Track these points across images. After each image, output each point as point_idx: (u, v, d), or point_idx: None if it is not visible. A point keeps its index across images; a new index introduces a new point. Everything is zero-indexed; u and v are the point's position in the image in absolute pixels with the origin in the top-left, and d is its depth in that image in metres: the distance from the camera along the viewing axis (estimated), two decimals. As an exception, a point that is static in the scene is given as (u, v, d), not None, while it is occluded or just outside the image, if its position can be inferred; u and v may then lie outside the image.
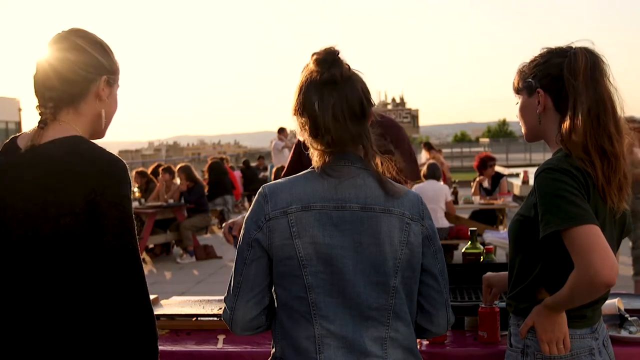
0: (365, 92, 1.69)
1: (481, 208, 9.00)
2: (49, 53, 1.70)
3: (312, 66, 1.68)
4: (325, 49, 1.68)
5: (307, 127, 1.68)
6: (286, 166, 3.00)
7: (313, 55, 1.69)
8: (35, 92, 1.71)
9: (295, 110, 1.70)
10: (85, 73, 1.70)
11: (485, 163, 9.39)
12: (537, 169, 1.79)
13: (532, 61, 1.90)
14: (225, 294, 1.73)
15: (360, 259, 1.64)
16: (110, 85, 1.76)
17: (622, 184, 1.79)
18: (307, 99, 1.67)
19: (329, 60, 1.66)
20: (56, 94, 1.69)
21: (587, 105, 1.76)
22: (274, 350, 1.73)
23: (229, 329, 1.74)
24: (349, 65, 1.69)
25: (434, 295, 1.74)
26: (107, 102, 1.76)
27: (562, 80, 1.80)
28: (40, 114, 1.70)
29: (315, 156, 1.70)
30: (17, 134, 1.75)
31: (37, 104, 1.71)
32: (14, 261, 1.62)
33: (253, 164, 17.69)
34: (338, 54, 1.68)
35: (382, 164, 1.71)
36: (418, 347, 2.19)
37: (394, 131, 3.00)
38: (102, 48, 1.75)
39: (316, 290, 1.63)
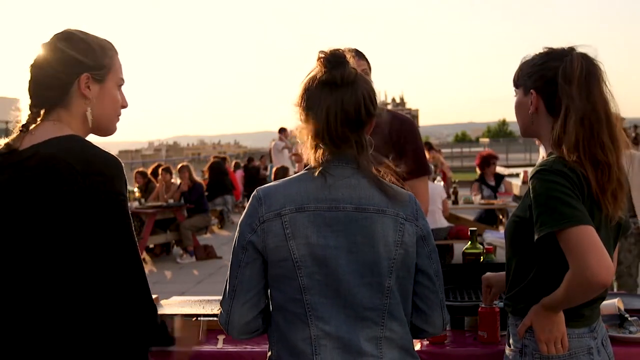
0: (367, 100, 1.67)
1: (481, 208, 9.00)
2: (34, 60, 1.73)
3: (317, 65, 1.68)
4: (332, 50, 1.68)
5: (302, 122, 1.69)
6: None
7: (319, 53, 1.69)
8: (28, 97, 1.74)
9: (297, 102, 1.71)
10: (62, 75, 1.70)
11: (488, 161, 9.37)
12: (532, 170, 1.80)
13: (532, 59, 1.90)
14: (221, 297, 1.73)
15: (354, 259, 1.63)
16: (98, 81, 1.73)
17: (616, 192, 1.78)
18: (305, 95, 1.68)
19: (332, 62, 1.66)
20: (39, 100, 1.71)
21: (580, 113, 1.76)
22: (270, 353, 1.73)
23: (226, 332, 1.73)
24: (355, 70, 1.68)
25: (429, 295, 1.74)
26: (93, 100, 1.73)
27: (556, 85, 1.80)
28: (27, 118, 1.72)
29: (309, 157, 1.70)
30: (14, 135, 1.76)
31: (28, 109, 1.73)
32: (10, 259, 1.62)
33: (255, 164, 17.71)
34: (344, 57, 1.67)
35: (379, 171, 1.70)
36: (419, 347, 2.20)
37: (411, 127, 3.05)
38: (85, 44, 1.73)
39: (311, 292, 1.63)
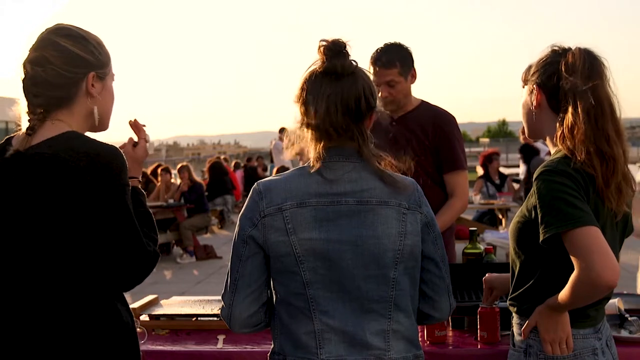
0: (367, 92, 1.67)
1: (481, 208, 8.99)
2: (32, 57, 1.67)
3: (317, 54, 1.68)
4: (333, 39, 1.67)
5: (301, 115, 1.69)
6: None
7: (320, 41, 1.68)
8: (25, 96, 1.69)
9: (296, 97, 1.70)
10: (71, 74, 1.67)
11: (490, 157, 9.37)
12: (536, 171, 1.79)
13: (539, 58, 1.90)
14: (223, 291, 1.73)
15: (358, 252, 1.64)
16: (101, 79, 1.73)
17: (621, 186, 1.78)
18: (305, 87, 1.68)
19: (333, 50, 1.66)
20: (43, 100, 1.67)
21: (585, 106, 1.75)
22: (273, 346, 1.73)
23: (228, 326, 1.73)
24: (355, 62, 1.68)
25: (436, 281, 1.75)
26: (99, 98, 1.73)
27: (559, 79, 1.80)
28: (29, 120, 1.67)
29: (310, 151, 1.70)
30: (13, 134, 1.74)
31: (27, 109, 1.69)
32: (21, 261, 1.62)
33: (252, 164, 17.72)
34: (344, 46, 1.67)
35: (379, 163, 1.70)
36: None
37: (446, 120, 3.06)
38: (87, 42, 1.71)
39: (315, 286, 1.63)
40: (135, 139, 1.92)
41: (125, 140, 1.91)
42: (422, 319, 1.79)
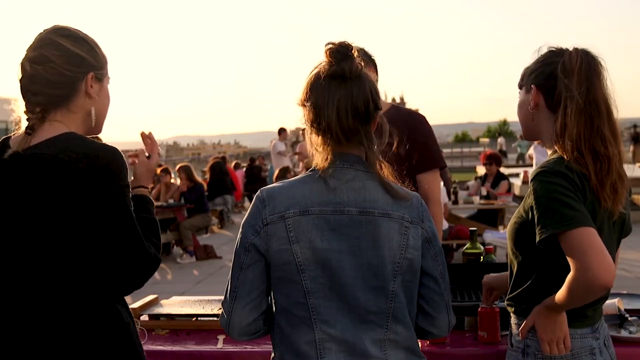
0: (373, 95, 1.66)
1: (481, 208, 9.01)
2: (31, 56, 1.67)
3: (323, 57, 1.67)
4: (340, 42, 1.66)
5: (309, 119, 1.67)
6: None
7: (327, 45, 1.66)
8: (22, 96, 1.69)
9: (301, 100, 1.68)
10: (71, 74, 1.67)
11: (485, 161, 9.48)
12: (533, 172, 1.79)
13: (537, 59, 1.90)
14: (223, 298, 1.72)
15: (358, 263, 1.62)
16: (99, 80, 1.73)
17: (616, 186, 1.78)
18: (313, 90, 1.65)
19: (341, 53, 1.64)
20: (43, 99, 1.66)
21: (580, 106, 1.76)
22: (273, 355, 1.72)
23: (226, 333, 1.72)
24: (361, 64, 1.67)
25: (435, 297, 1.73)
26: (97, 99, 1.73)
27: (556, 79, 1.80)
28: (27, 119, 1.67)
29: (315, 157, 1.69)
30: (10, 134, 1.74)
31: (25, 109, 1.68)
32: (19, 261, 1.62)
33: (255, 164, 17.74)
34: (351, 49, 1.66)
35: (382, 168, 1.69)
36: (419, 346, 2.19)
37: (417, 120, 3.07)
38: (86, 43, 1.72)
39: (315, 295, 1.62)
40: (147, 150, 1.96)
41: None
42: (421, 334, 1.77)
